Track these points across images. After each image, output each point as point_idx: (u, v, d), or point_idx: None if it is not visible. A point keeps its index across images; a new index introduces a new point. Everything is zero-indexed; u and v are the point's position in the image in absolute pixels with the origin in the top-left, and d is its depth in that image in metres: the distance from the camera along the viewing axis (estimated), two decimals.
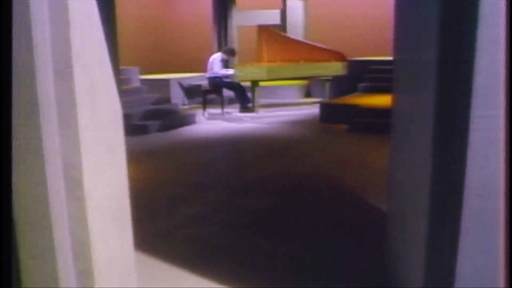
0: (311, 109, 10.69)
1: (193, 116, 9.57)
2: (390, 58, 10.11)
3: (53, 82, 2.21)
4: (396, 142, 3.10)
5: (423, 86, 2.20)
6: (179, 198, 4.95)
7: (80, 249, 2.39)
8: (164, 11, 15.34)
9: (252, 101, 10.54)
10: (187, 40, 15.16)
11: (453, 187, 1.95)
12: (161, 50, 14.99)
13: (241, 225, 4.21)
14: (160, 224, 4.24)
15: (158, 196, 5.05)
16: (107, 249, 2.56)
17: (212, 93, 10.61)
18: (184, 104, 11.81)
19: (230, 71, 10.56)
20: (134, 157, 6.84)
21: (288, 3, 13.09)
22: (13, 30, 2.04)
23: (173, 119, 9.19)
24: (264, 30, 10.72)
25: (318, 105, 10.86)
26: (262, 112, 10.31)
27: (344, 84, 10.94)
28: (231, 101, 11.32)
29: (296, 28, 12.87)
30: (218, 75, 10.36)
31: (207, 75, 10.58)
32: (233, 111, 10.60)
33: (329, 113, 8.97)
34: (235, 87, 10.52)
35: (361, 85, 10.71)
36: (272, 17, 12.92)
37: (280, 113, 10.39)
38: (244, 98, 10.56)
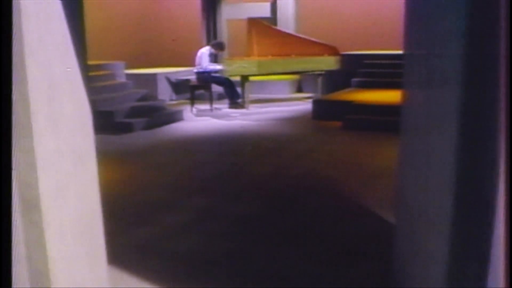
0: (302, 105, 10.34)
1: (180, 112, 9.19)
2: (384, 52, 9.77)
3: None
4: (407, 142, 2.77)
5: (445, 81, 1.95)
6: (163, 205, 4.58)
7: (39, 280, 2.03)
8: (152, 4, 14.89)
9: (242, 96, 10.18)
10: (175, 34, 14.74)
11: (482, 194, 1.66)
12: (148, 44, 14.55)
13: (230, 237, 3.86)
14: (140, 236, 3.88)
15: (140, 202, 4.68)
16: (71, 277, 2.19)
17: (201, 88, 10.23)
18: (171, 100, 11.43)
19: (219, 66, 10.19)
20: (117, 158, 6.47)
21: None
22: None
23: (159, 116, 8.80)
24: (254, 23, 10.33)
25: (310, 100, 10.55)
26: (252, 108, 9.95)
27: (337, 79, 10.60)
28: (220, 97, 10.95)
29: (287, 21, 12.49)
30: (207, 70, 9.98)
31: (195, 70, 10.19)
32: (222, 107, 10.23)
33: (322, 109, 8.63)
34: (224, 82, 10.15)
35: (355, 80, 10.38)
36: (262, 10, 12.53)
37: (270, 109, 10.02)
38: (233, 93, 10.19)
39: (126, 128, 8.04)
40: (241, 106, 10.07)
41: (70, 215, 2.20)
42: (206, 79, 10.03)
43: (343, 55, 10.62)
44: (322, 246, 3.59)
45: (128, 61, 11.85)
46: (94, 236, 2.44)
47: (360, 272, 3.16)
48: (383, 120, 7.59)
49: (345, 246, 3.58)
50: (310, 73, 10.83)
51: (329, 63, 10.33)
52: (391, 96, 8.75)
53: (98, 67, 9.59)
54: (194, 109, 9.95)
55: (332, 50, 10.38)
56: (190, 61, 10.52)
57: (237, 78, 10.12)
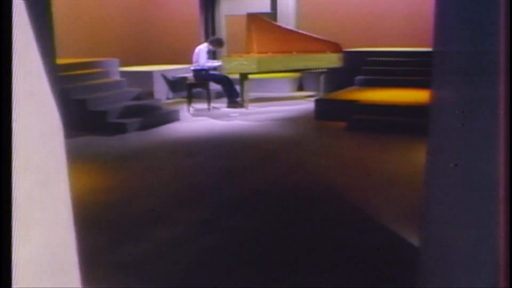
0: (304, 104, 9.94)
1: (176, 112, 8.78)
2: (389, 49, 9.30)
3: None
4: (436, 146, 2.45)
5: (483, 79, 1.80)
6: (154, 216, 4.18)
7: None
8: (149, 1, 14.46)
9: (241, 95, 9.77)
10: (172, 30, 14.31)
11: None
12: (145, 40, 14.13)
13: (228, 255, 3.46)
14: (127, 252, 3.48)
15: (129, 214, 4.28)
16: None
17: (198, 86, 9.82)
18: (168, 98, 11.02)
19: (217, 63, 9.78)
20: (107, 161, 6.07)
21: None
22: None
23: (155, 116, 8.40)
24: (253, 18, 9.92)
25: (311, 99, 10.16)
26: (251, 107, 9.54)
27: (339, 77, 10.20)
28: (218, 95, 10.55)
29: (288, 17, 12.06)
30: (204, 67, 9.57)
31: (192, 67, 9.79)
32: (221, 106, 9.82)
33: (325, 109, 8.22)
34: (223, 80, 9.74)
35: (358, 78, 9.98)
36: (261, 5, 12.11)
37: (271, 108, 9.62)
38: (232, 92, 9.78)
39: (119, 129, 7.63)
40: (240, 105, 9.67)
41: (36, 249, 1.80)
42: (203, 77, 9.63)
43: (346, 52, 10.21)
44: (333, 275, 3.19)
45: (123, 58, 11.45)
46: (66, 271, 2.04)
47: None
48: (391, 120, 7.21)
49: (359, 274, 3.18)
50: (312, 71, 10.39)
51: (332, 60, 9.92)
52: (398, 95, 8.37)
53: (90, 64, 9.19)
54: (191, 109, 9.55)
55: (334, 47, 9.97)
56: (187, 58, 10.09)
57: (236, 76, 9.73)
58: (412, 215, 3.98)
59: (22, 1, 1.81)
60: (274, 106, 9.80)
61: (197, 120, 8.68)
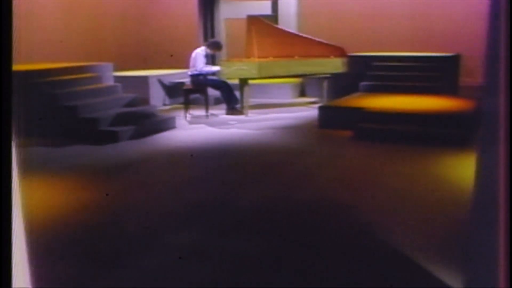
0: (306, 111, 9.49)
1: (172, 119, 8.32)
2: (395, 53, 8.85)
3: None
4: (487, 159, 2.14)
5: None
6: (140, 239, 3.72)
7: None
8: (145, 2, 14.04)
9: (241, 101, 9.33)
10: (170, 33, 13.88)
11: None
12: (142, 44, 13.71)
13: (225, 285, 3.00)
14: (102, 285, 3.02)
15: (113, 235, 3.82)
16: None
17: (196, 92, 9.37)
18: (165, 104, 10.58)
19: (215, 68, 9.33)
20: (95, 174, 5.61)
21: None
22: None
23: (149, 123, 7.93)
24: (254, 21, 9.47)
25: (314, 106, 9.73)
26: (251, 114, 9.09)
27: (343, 83, 9.75)
28: (217, 101, 10.10)
29: (289, 20, 11.61)
30: (202, 72, 9.13)
31: (189, 72, 9.34)
32: (219, 112, 9.37)
33: (329, 117, 7.76)
34: (221, 86, 9.29)
35: (363, 84, 9.54)
36: (262, 8, 11.66)
37: (272, 115, 9.16)
38: (231, 98, 9.33)
39: (111, 138, 7.17)
40: (239, 112, 9.22)
41: None
42: (201, 82, 9.18)
43: (350, 57, 9.76)
44: None
45: (119, 62, 11.03)
46: None
47: None
48: (400, 129, 6.77)
49: None
50: (315, 76, 9.93)
51: (336, 65, 9.46)
52: (406, 102, 7.93)
53: (82, 69, 8.74)
54: (188, 115, 9.10)
55: (338, 52, 9.52)
56: (185, 63, 9.63)
57: (236, 81, 9.29)
58: (438, 241, 3.53)
59: None
60: (275, 113, 9.34)
61: (194, 128, 8.22)
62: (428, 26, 11.66)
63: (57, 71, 8.33)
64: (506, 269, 1.64)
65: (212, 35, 11.68)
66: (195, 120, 8.85)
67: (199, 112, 9.22)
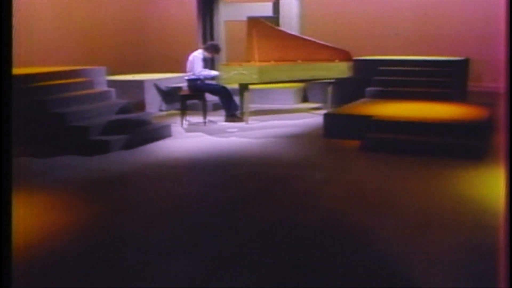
0: (310, 118, 9.01)
1: (168, 127, 7.82)
2: (402, 57, 8.36)
3: None
4: None
5: None
6: (125, 271, 3.22)
7: None
8: (142, 4, 13.57)
9: (241, 107, 8.84)
10: (168, 36, 13.42)
11: None
12: (140, 48, 13.26)
13: None
14: None
15: (94, 266, 3.31)
16: None
17: (193, 98, 8.88)
18: (161, 110, 10.10)
19: (214, 72, 8.83)
20: (80, 190, 5.09)
21: None
22: None
23: (143, 131, 7.43)
24: (254, 23, 8.98)
25: (318, 112, 9.27)
26: (252, 122, 8.60)
27: (348, 88, 9.28)
28: (215, 107, 9.62)
29: (291, 21, 11.10)
30: (200, 76, 8.64)
31: (186, 76, 8.85)
32: (218, 119, 8.88)
33: (336, 125, 7.26)
34: (220, 91, 8.80)
35: (369, 89, 9.07)
36: (263, 9, 11.15)
37: (273, 122, 8.66)
38: (230, 104, 8.83)
39: (101, 148, 6.68)
40: (239, 119, 8.74)
41: None
42: (199, 87, 8.69)
43: (355, 61, 9.27)
44: None
45: (115, 65, 10.56)
46: None
47: None
48: (413, 140, 6.28)
49: None
50: (319, 81, 9.43)
51: (341, 70, 8.97)
52: (417, 109, 7.44)
53: (73, 73, 8.25)
54: (185, 122, 8.61)
55: (344, 55, 9.03)
56: (183, 66, 9.13)
57: (236, 86, 8.81)
58: (470, 282, 3.02)
59: None
60: (277, 120, 8.85)
61: (191, 137, 7.73)
62: (435, 28, 11.21)
63: (45, 75, 7.83)
64: (506, 269, 1.62)
65: (212, 38, 11.18)
66: (192, 128, 8.35)
67: (197, 118, 8.73)
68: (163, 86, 10.25)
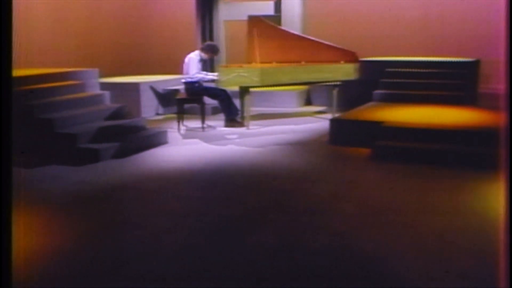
0: (314, 122, 8.54)
1: (164, 134, 7.34)
2: (411, 58, 7.77)
3: None
4: None
5: None
6: None
7: None
8: (139, 4, 13.09)
9: (241, 111, 8.36)
10: (166, 37, 12.95)
11: None
12: (138, 49, 12.79)
13: None
14: None
15: None
16: None
17: (190, 102, 8.41)
18: (158, 114, 9.64)
19: (211, 75, 8.34)
20: (61, 207, 4.58)
21: None
22: None
23: (136, 139, 6.95)
24: (255, 22, 8.51)
25: (322, 116, 8.82)
26: (252, 126, 8.12)
27: (354, 91, 8.79)
28: (214, 110, 9.15)
29: (294, 20, 10.62)
30: (197, 79, 8.16)
31: (183, 79, 8.37)
32: (217, 124, 8.40)
33: (343, 132, 6.78)
34: (220, 94, 8.32)
35: (377, 92, 8.60)
36: (264, 8, 10.67)
37: (275, 127, 8.18)
38: (230, 108, 8.35)
39: (90, 157, 6.21)
40: (239, 123, 8.26)
41: None
42: (196, 90, 8.22)
43: (361, 62, 8.79)
44: None
45: (112, 67, 10.11)
46: None
47: None
48: (427, 148, 5.79)
49: None
50: (324, 84, 8.93)
51: (347, 72, 8.49)
52: (429, 114, 6.96)
53: (63, 76, 7.78)
54: (182, 128, 8.14)
55: (350, 56, 8.55)
56: (181, 68, 8.65)
57: (236, 89, 8.33)
58: None
59: None
60: (279, 125, 8.36)
61: (188, 143, 7.24)
62: (443, 28, 10.74)
63: (33, 78, 7.35)
64: (506, 269, 1.63)
65: (211, 38, 10.71)
66: (189, 134, 7.87)
67: (195, 123, 8.26)
68: (160, 88, 9.79)
